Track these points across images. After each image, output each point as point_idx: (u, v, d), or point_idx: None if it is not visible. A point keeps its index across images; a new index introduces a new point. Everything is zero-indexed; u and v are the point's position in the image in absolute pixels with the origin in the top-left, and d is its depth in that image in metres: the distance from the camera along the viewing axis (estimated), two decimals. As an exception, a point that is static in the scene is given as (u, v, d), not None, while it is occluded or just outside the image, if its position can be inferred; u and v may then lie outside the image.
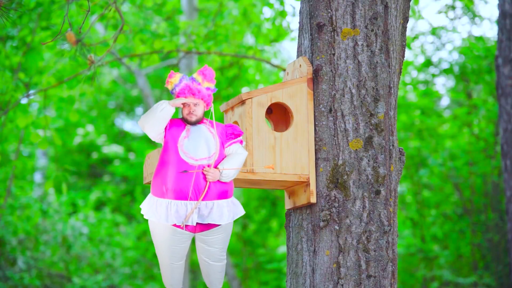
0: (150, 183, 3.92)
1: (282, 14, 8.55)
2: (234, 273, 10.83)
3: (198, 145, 3.58)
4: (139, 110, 16.40)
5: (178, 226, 3.56)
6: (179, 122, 3.66)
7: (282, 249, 11.72)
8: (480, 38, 10.18)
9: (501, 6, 7.34)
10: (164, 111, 3.53)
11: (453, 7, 9.95)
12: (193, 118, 3.62)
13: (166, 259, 3.67)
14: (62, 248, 10.80)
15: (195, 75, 3.67)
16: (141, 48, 7.73)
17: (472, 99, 10.38)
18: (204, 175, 3.55)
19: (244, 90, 11.08)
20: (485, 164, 9.72)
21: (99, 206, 13.94)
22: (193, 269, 12.88)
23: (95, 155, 15.51)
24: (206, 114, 3.76)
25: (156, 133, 3.60)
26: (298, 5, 8.75)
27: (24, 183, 11.81)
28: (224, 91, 11.15)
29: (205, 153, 3.58)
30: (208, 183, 3.54)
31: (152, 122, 3.56)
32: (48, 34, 7.34)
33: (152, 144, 14.95)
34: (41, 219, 10.51)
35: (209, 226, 3.61)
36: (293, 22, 18.72)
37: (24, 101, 7.49)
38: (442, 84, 12.21)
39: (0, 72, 7.29)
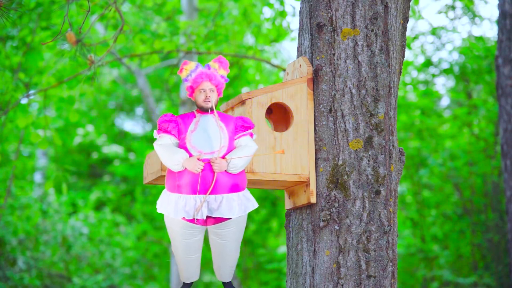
0: (150, 183, 3.93)
1: (282, 14, 8.55)
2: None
3: (206, 139, 3.56)
4: (139, 110, 16.40)
5: (189, 220, 3.55)
6: (188, 115, 3.63)
7: (282, 249, 11.73)
8: (480, 38, 10.19)
9: (501, 6, 7.34)
10: (175, 167, 3.52)
11: (453, 7, 9.95)
12: (209, 104, 3.59)
13: (181, 252, 3.66)
14: (62, 248, 10.80)
15: (210, 63, 3.64)
16: (141, 48, 7.74)
17: (472, 99, 10.38)
18: (211, 167, 3.53)
19: (244, 90, 11.09)
20: (485, 164, 9.72)
21: (99, 206, 13.95)
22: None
23: (95, 155, 15.52)
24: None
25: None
26: (298, 5, 8.75)
27: (24, 183, 11.81)
28: (224, 91, 11.13)
29: (213, 147, 3.55)
30: (215, 175, 3.51)
31: (166, 164, 3.56)
32: (48, 34, 7.35)
33: (152, 144, 14.94)
34: (41, 219, 10.51)
35: (220, 220, 3.59)
36: (293, 22, 18.73)
37: (24, 101, 7.49)
38: (442, 84, 12.22)
39: (0, 72, 7.29)
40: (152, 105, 10.70)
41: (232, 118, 3.66)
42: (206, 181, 3.52)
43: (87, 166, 15.64)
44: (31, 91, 7.22)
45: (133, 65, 10.43)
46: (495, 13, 13.13)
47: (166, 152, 3.52)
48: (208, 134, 3.57)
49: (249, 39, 11.27)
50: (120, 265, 11.45)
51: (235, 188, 3.57)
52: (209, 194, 3.52)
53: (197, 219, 3.55)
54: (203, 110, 3.61)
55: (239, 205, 3.57)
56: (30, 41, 7.34)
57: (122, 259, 11.63)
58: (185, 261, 3.70)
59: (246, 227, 11.92)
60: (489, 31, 17.52)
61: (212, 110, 3.61)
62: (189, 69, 3.61)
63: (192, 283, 3.85)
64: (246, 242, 11.76)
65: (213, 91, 3.61)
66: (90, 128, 15.18)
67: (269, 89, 3.87)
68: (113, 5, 4.97)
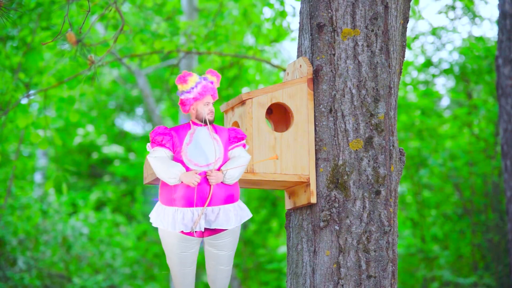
0: (150, 184, 3.92)
1: (282, 14, 8.55)
2: (234, 273, 10.84)
3: (202, 151, 3.57)
4: (139, 110, 16.41)
5: (187, 233, 3.56)
6: (181, 127, 3.64)
7: (282, 249, 11.72)
8: (480, 39, 10.19)
9: (501, 6, 7.34)
10: (171, 181, 3.52)
11: (453, 8, 9.95)
12: (213, 117, 3.64)
13: (177, 265, 3.67)
14: (62, 248, 10.80)
15: (208, 76, 3.66)
16: (141, 48, 7.74)
17: (472, 99, 10.38)
18: (207, 180, 3.54)
19: (244, 90, 11.08)
20: (485, 164, 9.72)
21: (99, 206, 13.95)
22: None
23: (95, 155, 15.52)
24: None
25: None
26: (298, 5, 8.75)
27: (24, 183, 11.81)
28: (224, 91, 11.14)
29: (209, 159, 3.57)
30: (212, 187, 3.54)
31: (161, 178, 3.56)
32: (48, 34, 7.34)
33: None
34: (41, 219, 10.51)
35: (217, 231, 3.61)
36: (293, 23, 18.74)
37: (24, 101, 7.49)
38: (442, 85, 12.22)
39: (0, 72, 7.29)
40: (152, 105, 10.71)
41: (225, 129, 3.69)
42: (203, 193, 3.54)
43: (87, 166, 15.64)
44: (31, 91, 7.22)
45: (133, 65, 10.44)
46: (495, 13, 13.13)
47: (162, 165, 3.52)
48: (203, 147, 3.59)
49: (249, 39, 11.28)
50: (120, 265, 11.45)
51: (230, 199, 3.60)
52: (206, 206, 3.53)
53: (195, 231, 3.55)
54: (204, 123, 3.63)
55: (235, 216, 3.61)
56: (30, 41, 7.34)
57: (122, 259, 11.63)
58: (181, 273, 3.71)
59: (247, 228, 11.92)
60: (489, 31, 17.53)
61: (212, 123, 3.64)
62: (194, 81, 3.61)
63: None
64: (246, 242, 11.76)
65: (213, 104, 3.67)
66: (90, 128, 15.18)
67: (269, 89, 3.87)
68: (113, 5, 4.97)
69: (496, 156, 9.63)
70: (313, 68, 3.92)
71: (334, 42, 3.88)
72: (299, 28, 4.09)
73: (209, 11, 10.13)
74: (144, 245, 12.47)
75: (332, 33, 3.89)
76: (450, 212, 10.11)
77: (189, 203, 3.53)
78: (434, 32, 10.43)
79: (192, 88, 3.61)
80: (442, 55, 12.83)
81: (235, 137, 3.67)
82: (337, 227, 3.76)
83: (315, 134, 3.87)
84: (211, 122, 3.63)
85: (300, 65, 3.97)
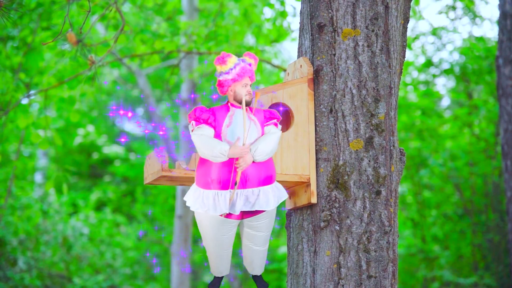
0: (151, 184, 3.91)
1: (283, 14, 8.55)
2: (234, 273, 10.84)
3: (241, 133, 3.54)
4: (139, 110, 16.41)
5: (226, 216, 3.56)
6: (220, 108, 3.60)
7: (283, 249, 11.73)
8: (480, 39, 10.19)
9: (501, 6, 7.34)
10: (218, 158, 3.48)
11: (453, 8, 9.96)
12: (251, 98, 3.59)
13: (215, 248, 3.68)
14: (63, 248, 10.81)
15: (246, 58, 3.62)
16: (141, 49, 7.74)
17: (473, 99, 10.39)
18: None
19: (245, 90, 11.05)
20: (485, 164, 9.73)
21: (99, 206, 13.96)
22: (194, 269, 12.88)
23: (95, 156, 15.53)
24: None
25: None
26: (298, 6, 8.76)
27: (25, 183, 11.82)
28: (224, 92, 11.10)
29: (249, 139, 3.55)
30: (239, 170, 3.50)
31: (205, 156, 3.51)
32: (48, 34, 7.35)
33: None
34: (42, 220, 10.52)
35: (256, 212, 3.61)
36: (293, 23, 18.72)
37: (24, 101, 7.49)
38: (443, 85, 12.22)
39: (0, 72, 7.30)
40: (152, 106, 10.71)
41: (261, 110, 3.66)
42: (242, 174, 3.52)
43: (87, 166, 15.65)
44: (32, 91, 7.22)
45: (134, 65, 10.44)
46: (495, 14, 13.13)
47: (207, 142, 3.47)
48: (242, 128, 3.55)
49: (250, 40, 11.28)
50: (120, 265, 11.46)
51: (269, 180, 3.59)
52: (244, 188, 3.52)
53: (233, 213, 3.55)
54: (241, 104, 3.58)
55: (274, 197, 3.59)
56: (30, 41, 7.34)
57: (123, 259, 11.64)
58: (218, 255, 3.72)
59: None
60: (490, 31, 17.52)
61: (249, 104, 3.60)
62: (233, 62, 3.57)
63: (223, 277, 3.86)
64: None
65: (250, 85, 3.63)
66: (90, 128, 15.19)
67: (270, 89, 3.87)
68: (113, 5, 4.97)
69: (497, 156, 9.63)
70: (313, 68, 3.92)
71: (335, 42, 3.88)
72: (300, 28, 4.09)
73: (210, 11, 10.13)
74: (145, 245, 12.48)
75: (333, 33, 3.89)
76: (451, 212, 10.12)
77: (228, 186, 3.51)
78: (435, 32, 10.44)
79: (231, 69, 3.57)
80: (442, 55, 12.83)
81: (269, 117, 3.64)
82: (337, 227, 3.76)
83: (316, 134, 3.87)
84: (249, 104, 3.58)
85: (301, 65, 3.97)
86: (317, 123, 3.88)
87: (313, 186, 3.82)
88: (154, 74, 13.99)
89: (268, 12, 17.29)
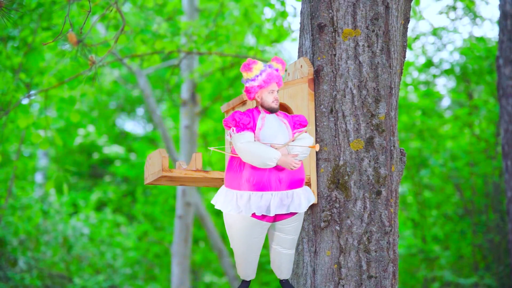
0: (151, 184, 3.91)
1: (283, 14, 8.55)
2: (234, 273, 10.83)
3: (275, 135, 3.57)
4: (140, 110, 16.41)
5: (259, 217, 3.56)
6: (252, 111, 3.62)
7: (283, 249, 11.69)
8: (481, 39, 10.19)
9: (502, 6, 7.34)
10: (269, 164, 3.50)
11: (454, 8, 9.95)
12: (277, 106, 3.61)
13: (244, 251, 3.67)
14: (63, 248, 10.81)
15: (273, 63, 3.64)
16: (142, 49, 7.74)
17: (473, 99, 10.38)
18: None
19: (245, 90, 11.06)
20: (486, 164, 9.72)
21: (100, 206, 13.96)
22: (194, 269, 12.89)
23: (96, 156, 15.53)
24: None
25: None
26: (299, 6, 8.76)
27: (25, 183, 11.82)
28: (225, 92, 11.14)
29: (281, 142, 3.57)
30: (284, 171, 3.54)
31: (252, 162, 3.53)
32: (49, 34, 7.35)
33: (153, 145, 14.96)
34: (42, 220, 10.52)
35: (287, 215, 3.61)
36: (294, 23, 18.72)
37: (25, 101, 7.50)
38: (443, 85, 12.22)
39: (1, 72, 7.30)
40: (153, 106, 10.71)
41: (288, 116, 3.68)
42: (276, 176, 3.53)
43: (88, 166, 15.65)
44: (32, 92, 7.22)
45: (134, 65, 10.44)
46: (496, 14, 13.14)
47: (258, 148, 3.49)
48: (275, 131, 3.58)
49: (250, 40, 11.28)
50: (121, 265, 11.46)
51: (300, 183, 3.60)
52: (281, 190, 3.53)
53: (265, 216, 3.55)
54: (269, 111, 3.61)
55: (305, 199, 3.61)
56: (31, 42, 7.34)
57: (123, 259, 11.64)
58: (248, 259, 3.71)
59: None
60: (490, 31, 17.51)
61: (277, 111, 3.62)
62: (259, 68, 3.58)
63: (250, 281, 3.86)
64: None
65: (277, 92, 3.64)
66: (91, 128, 15.19)
67: (270, 90, 3.87)
68: (114, 5, 4.97)
69: (497, 157, 9.63)
70: (314, 68, 3.92)
71: (335, 43, 3.88)
72: (300, 28, 4.09)
73: (210, 12, 10.14)
74: (145, 246, 12.48)
75: (333, 33, 3.89)
76: (451, 212, 10.11)
77: (264, 187, 3.52)
78: (435, 32, 10.44)
79: (257, 76, 3.58)
80: (443, 56, 12.83)
81: (299, 124, 3.66)
82: (337, 228, 3.76)
83: (316, 134, 3.88)
84: (275, 110, 3.61)
85: (301, 66, 3.97)
86: (317, 123, 3.88)
87: (314, 186, 3.82)
88: (154, 74, 14.00)
89: (268, 12, 17.31)
